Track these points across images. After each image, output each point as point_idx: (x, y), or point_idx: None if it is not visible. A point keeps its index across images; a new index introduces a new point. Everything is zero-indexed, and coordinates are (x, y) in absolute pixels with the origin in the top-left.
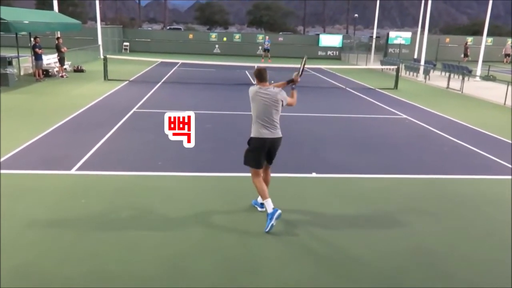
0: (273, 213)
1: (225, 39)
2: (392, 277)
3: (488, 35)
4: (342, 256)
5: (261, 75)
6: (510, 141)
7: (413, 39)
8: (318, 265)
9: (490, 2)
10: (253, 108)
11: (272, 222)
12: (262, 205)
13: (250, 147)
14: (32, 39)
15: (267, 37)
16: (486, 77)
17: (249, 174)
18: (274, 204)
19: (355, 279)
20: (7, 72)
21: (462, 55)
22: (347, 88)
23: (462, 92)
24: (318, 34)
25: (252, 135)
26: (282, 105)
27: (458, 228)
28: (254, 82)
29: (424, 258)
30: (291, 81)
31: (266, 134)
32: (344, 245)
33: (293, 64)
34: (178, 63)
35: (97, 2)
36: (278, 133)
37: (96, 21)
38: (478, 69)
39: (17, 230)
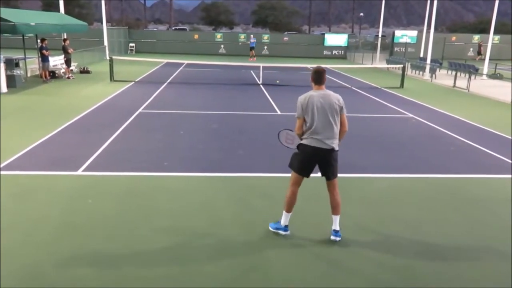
0: (280, 228)
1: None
2: (401, 277)
3: (495, 33)
4: (350, 256)
5: (317, 77)
6: None
7: (419, 37)
8: (326, 265)
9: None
10: (306, 115)
11: (275, 229)
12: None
13: (298, 151)
14: (39, 41)
15: (251, 35)
16: (493, 76)
17: (257, 174)
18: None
19: (364, 279)
20: (14, 73)
21: (477, 53)
22: (353, 88)
23: (468, 90)
24: (324, 34)
25: (301, 141)
26: (340, 112)
27: (467, 228)
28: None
29: (433, 257)
30: None
31: (315, 143)
32: (353, 246)
33: (298, 64)
34: (183, 63)
35: (103, 3)
36: (331, 144)
37: (102, 22)
38: (485, 68)
39: (24, 230)
